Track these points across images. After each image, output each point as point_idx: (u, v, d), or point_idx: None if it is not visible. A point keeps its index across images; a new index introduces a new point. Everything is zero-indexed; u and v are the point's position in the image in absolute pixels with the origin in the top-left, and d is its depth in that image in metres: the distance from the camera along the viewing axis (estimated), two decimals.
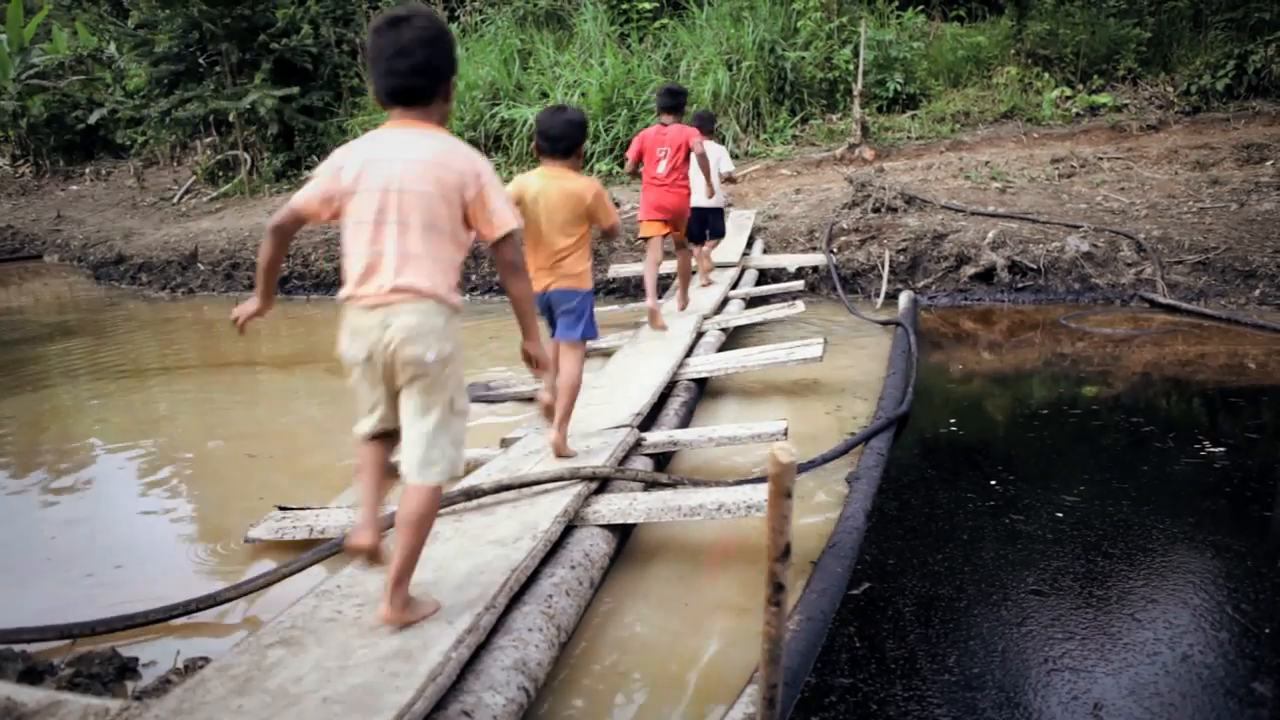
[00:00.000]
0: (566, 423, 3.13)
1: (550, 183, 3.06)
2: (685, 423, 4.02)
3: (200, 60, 13.63)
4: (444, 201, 1.93)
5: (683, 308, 5.77)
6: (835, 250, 7.68)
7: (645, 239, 5.47)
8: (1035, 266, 6.97)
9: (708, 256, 6.66)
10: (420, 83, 1.96)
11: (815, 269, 7.57)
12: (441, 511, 2.66)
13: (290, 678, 1.77)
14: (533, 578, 2.37)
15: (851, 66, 10.92)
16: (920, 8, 12.21)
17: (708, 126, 6.46)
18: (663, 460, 3.61)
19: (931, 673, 2.18)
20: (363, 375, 2.03)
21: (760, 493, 2.73)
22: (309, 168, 14.18)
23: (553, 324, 3.22)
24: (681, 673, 2.29)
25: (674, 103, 5.37)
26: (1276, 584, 2.54)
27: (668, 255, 6.05)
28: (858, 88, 10.56)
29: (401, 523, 1.93)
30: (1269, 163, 8.19)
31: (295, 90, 13.43)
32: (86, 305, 9.85)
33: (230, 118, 13.61)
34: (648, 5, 12.34)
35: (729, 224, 8.40)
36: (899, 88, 11.28)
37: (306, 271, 9.70)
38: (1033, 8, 11.65)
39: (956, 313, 6.75)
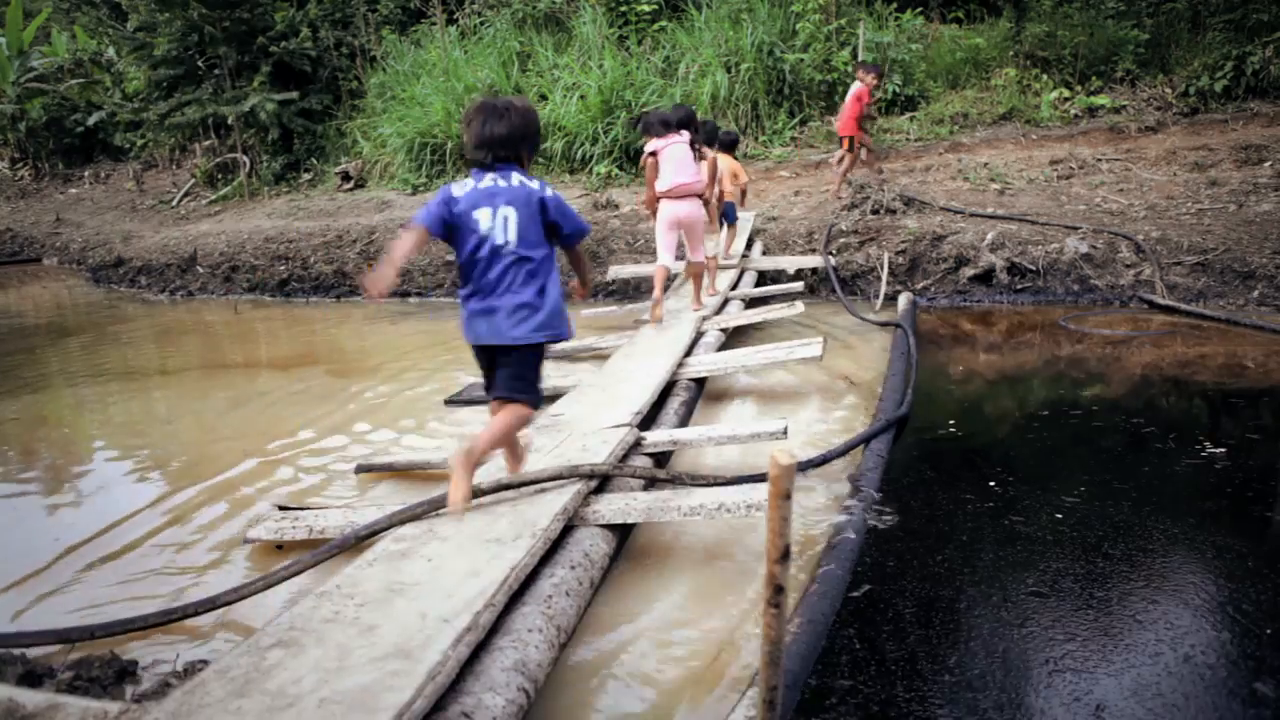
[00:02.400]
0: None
1: None
2: (685, 422, 4.02)
3: (199, 63, 13.65)
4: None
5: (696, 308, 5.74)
6: (834, 252, 7.68)
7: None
8: (1034, 268, 6.98)
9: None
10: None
11: (814, 270, 7.58)
12: (441, 511, 2.67)
13: (289, 679, 1.76)
14: (532, 578, 2.37)
15: (850, 68, 10.93)
16: (919, 9, 12.22)
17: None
18: (662, 460, 3.61)
19: (932, 674, 2.17)
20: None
21: (760, 492, 2.72)
22: (308, 170, 14.20)
23: None
24: (682, 674, 2.28)
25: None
26: (1277, 584, 2.53)
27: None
28: None
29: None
30: (1267, 164, 8.19)
31: (295, 95, 13.45)
32: (85, 308, 9.85)
33: (229, 120, 13.61)
34: (646, 7, 12.35)
35: None
36: (897, 89, 11.29)
37: (306, 274, 9.70)
38: (1031, 9, 11.67)
39: (956, 314, 6.75)
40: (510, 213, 2.58)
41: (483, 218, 2.57)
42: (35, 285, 12.16)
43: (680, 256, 5.71)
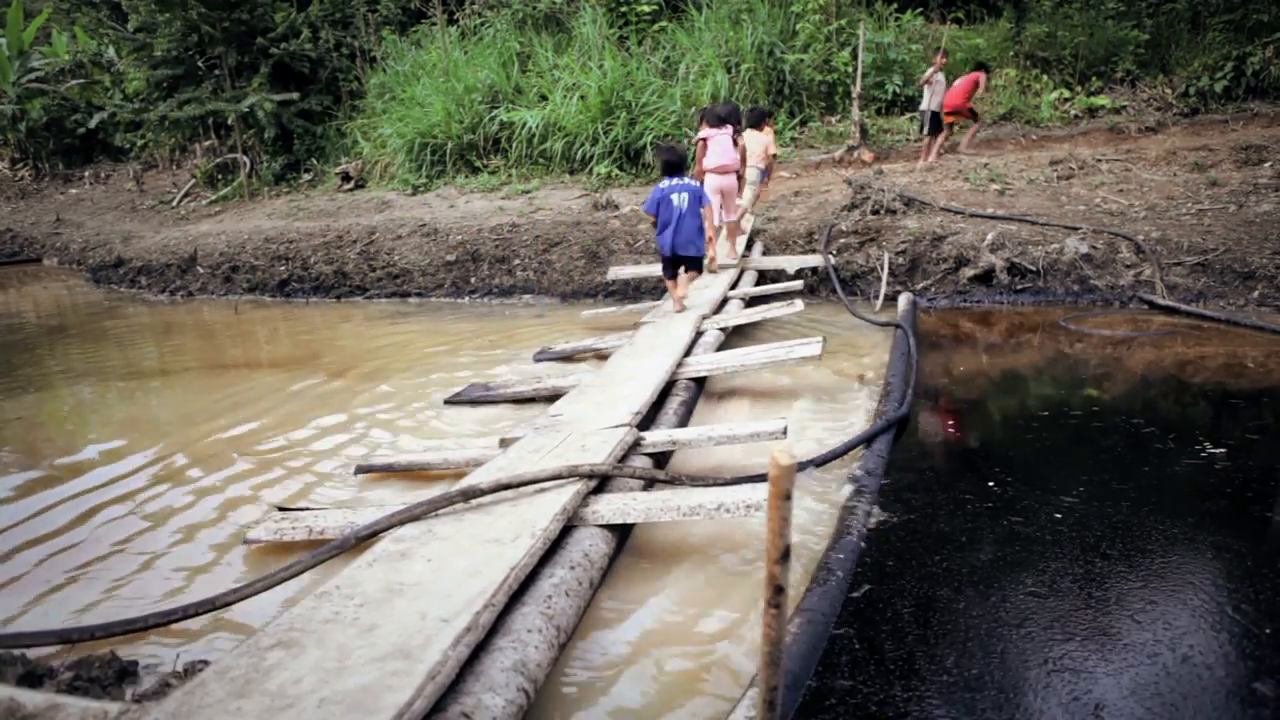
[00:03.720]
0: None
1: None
2: (684, 422, 4.02)
3: (199, 64, 13.65)
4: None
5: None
6: (834, 252, 7.69)
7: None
8: (1034, 268, 6.98)
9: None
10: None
11: (814, 270, 7.58)
12: (440, 511, 2.67)
13: (289, 679, 1.76)
14: (532, 578, 2.37)
15: (850, 69, 10.94)
16: (919, 10, 12.23)
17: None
18: (662, 460, 3.61)
19: (931, 674, 2.17)
20: None
21: (760, 492, 2.73)
22: (308, 171, 14.20)
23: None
24: (682, 674, 2.28)
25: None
26: (1276, 584, 2.54)
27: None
28: (856, 90, 10.59)
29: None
30: (1267, 164, 8.20)
31: (295, 96, 13.45)
32: (85, 308, 9.85)
33: (229, 120, 13.62)
34: (647, 8, 12.36)
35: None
36: (898, 90, 11.30)
37: (306, 275, 9.70)
38: (1031, 10, 11.68)
39: (956, 314, 6.75)
40: (685, 195, 5.64)
41: (676, 199, 5.63)
42: (35, 285, 12.16)
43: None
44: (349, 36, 14.45)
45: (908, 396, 4.19)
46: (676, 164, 5.76)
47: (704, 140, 6.91)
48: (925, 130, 9.98)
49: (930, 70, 9.75)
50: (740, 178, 7.18)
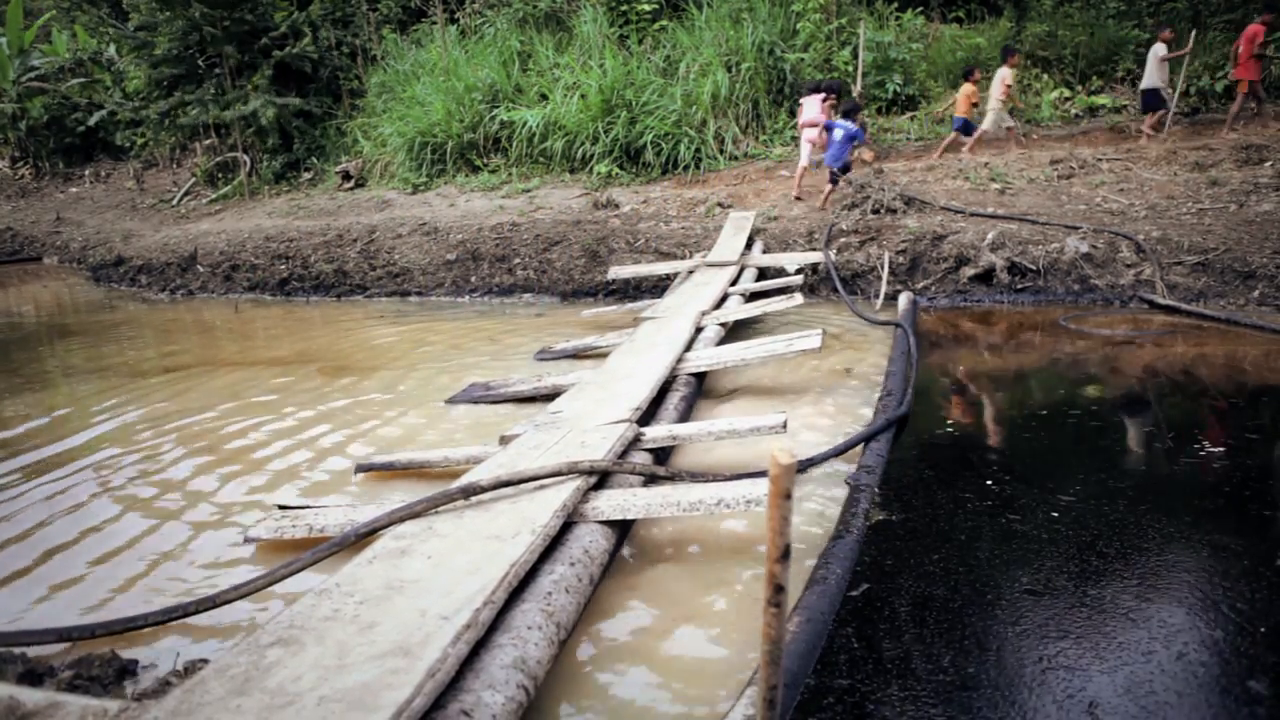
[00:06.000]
0: None
1: None
2: (684, 417, 4.03)
3: (200, 63, 13.66)
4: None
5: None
6: (835, 251, 7.69)
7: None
8: (1034, 268, 6.98)
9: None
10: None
11: (815, 269, 7.59)
12: (440, 508, 2.68)
13: (289, 677, 1.77)
14: (532, 575, 2.38)
15: (851, 68, 10.93)
16: (919, 9, 12.22)
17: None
18: (662, 456, 3.62)
19: (928, 672, 2.18)
20: None
21: (759, 487, 2.73)
22: (308, 170, 14.21)
23: None
24: (682, 671, 2.29)
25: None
26: (1272, 582, 2.54)
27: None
28: (857, 89, 10.58)
29: None
30: (1268, 164, 8.19)
31: (297, 101, 13.46)
32: (86, 307, 9.86)
33: (229, 120, 13.62)
34: (647, 7, 12.35)
35: (728, 224, 8.46)
36: (898, 89, 11.28)
37: (306, 273, 9.71)
38: (1032, 9, 11.67)
39: (956, 314, 6.76)
40: (841, 131, 8.49)
41: (837, 132, 8.52)
42: (36, 284, 12.17)
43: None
44: (349, 35, 14.46)
45: (907, 395, 4.19)
46: (850, 111, 8.76)
47: (800, 104, 9.63)
48: (1143, 109, 9.82)
49: (1162, 48, 9.37)
50: (823, 132, 9.20)
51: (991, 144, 10.11)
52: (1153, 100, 9.62)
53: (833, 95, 9.31)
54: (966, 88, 9.76)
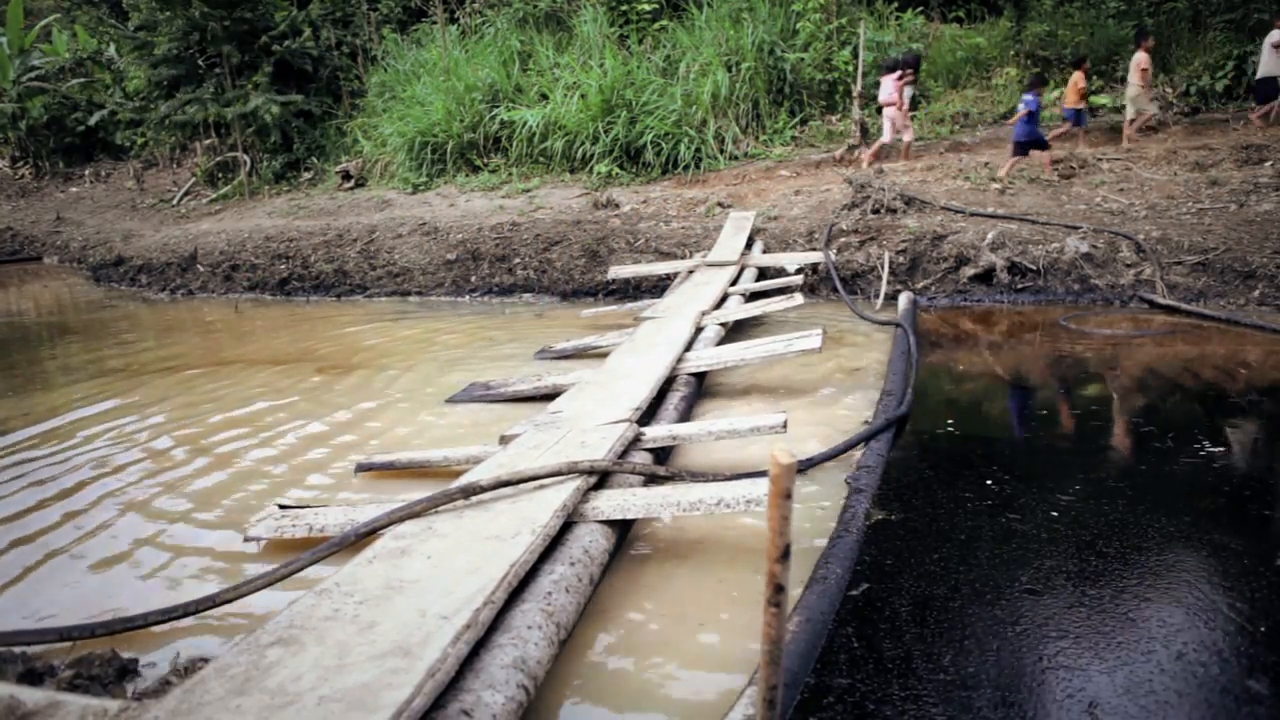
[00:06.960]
0: None
1: None
2: (684, 417, 4.03)
3: (200, 62, 13.66)
4: None
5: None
6: (835, 251, 7.69)
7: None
8: (1034, 267, 6.98)
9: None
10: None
11: (815, 269, 7.59)
12: (440, 508, 2.68)
13: (289, 676, 1.77)
14: (532, 575, 2.37)
15: (851, 68, 10.93)
16: (919, 9, 12.23)
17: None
18: (662, 455, 3.62)
19: (928, 672, 2.18)
20: None
21: (759, 486, 2.73)
22: (308, 169, 14.21)
23: None
24: (682, 671, 2.29)
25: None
26: (1272, 582, 2.54)
27: None
28: (857, 89, 10.58)
29: None
30: (1268, 163, 8.19)
31: (298, 99, 13.46)
32: (86, 306, 9.86)
33: (229, 120, 13.62)
34: (647, 6, 12.36)
35: (728, 224, 8.46)
36: None
37: (306, 273, 9.71)
38: (1032, 9, 11.67)
39: (956, 313, 6.76)
40: (1022, 107, 8.57)
41: (1021, 107, 8.53)
42: (36, 284, 12.17)
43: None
44: (350, 35, 14.46)
45: (907, 395, 4.19)
46: (1034, 82, 8.88)
47: (880, 83, 10.11)
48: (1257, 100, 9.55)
49: (1277, 34, 9.04)
50: (899, 106, 9.88)
51: (991, 143, 10.11)
52: (1268, 89, 9.28)
53: (909, 71, 9.85)
54: (1076, 77, 9.50)
